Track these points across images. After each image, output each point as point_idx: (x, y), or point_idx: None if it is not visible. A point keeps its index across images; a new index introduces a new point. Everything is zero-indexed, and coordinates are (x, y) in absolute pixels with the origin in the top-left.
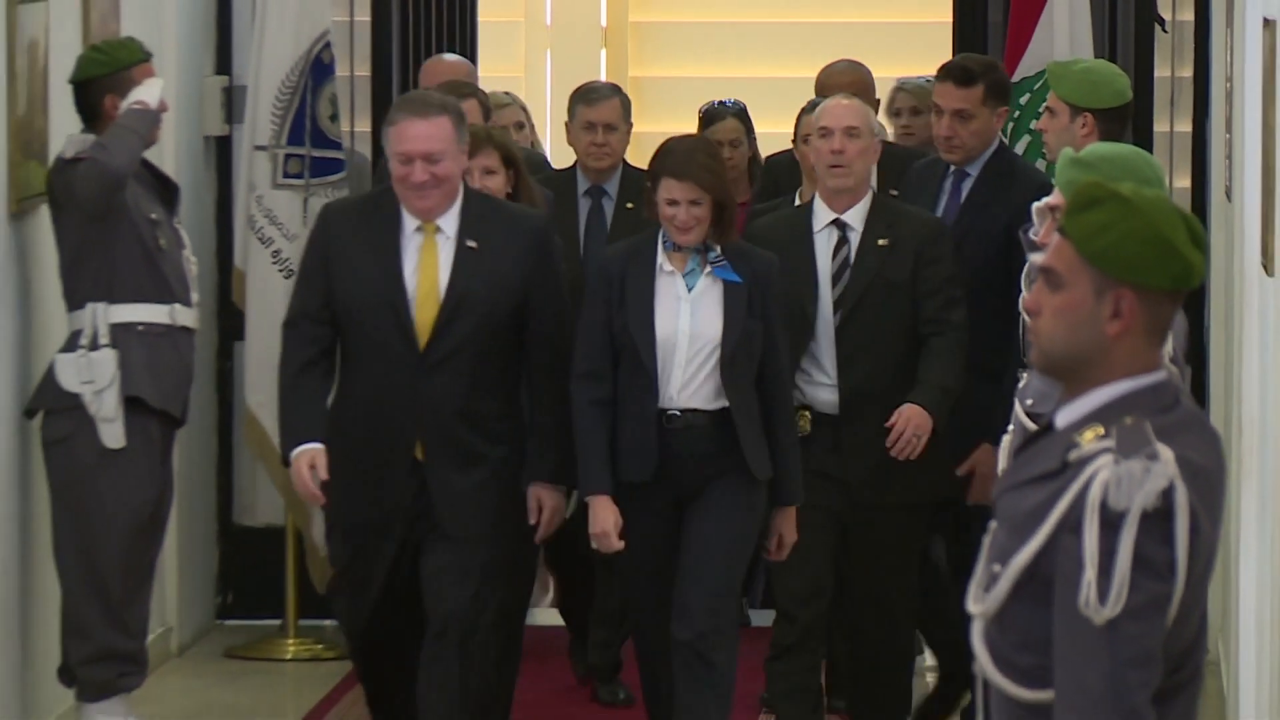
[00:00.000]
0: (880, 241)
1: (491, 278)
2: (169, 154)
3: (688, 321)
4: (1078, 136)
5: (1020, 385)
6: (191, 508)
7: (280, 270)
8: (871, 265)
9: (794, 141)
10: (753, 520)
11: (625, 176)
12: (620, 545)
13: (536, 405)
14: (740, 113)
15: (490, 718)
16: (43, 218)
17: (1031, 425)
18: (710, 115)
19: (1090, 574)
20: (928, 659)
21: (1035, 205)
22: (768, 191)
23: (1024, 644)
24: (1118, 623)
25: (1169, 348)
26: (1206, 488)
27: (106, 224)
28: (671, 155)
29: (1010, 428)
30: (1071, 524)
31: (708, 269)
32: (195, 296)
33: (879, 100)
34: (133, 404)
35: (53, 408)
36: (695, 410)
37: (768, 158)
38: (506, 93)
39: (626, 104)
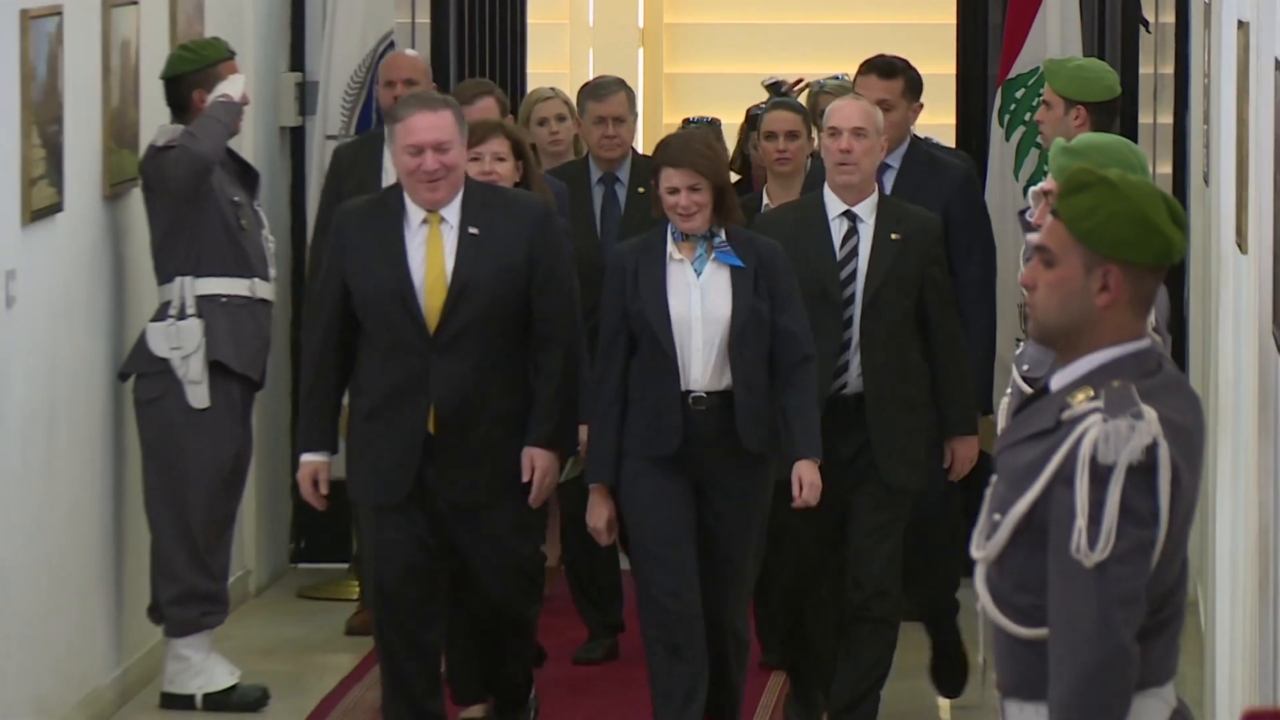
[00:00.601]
0: (893, 236)
1: (495, 261)
2: (248, 143)
3: (699, 306)
4: (1071, 127)
5: (1017, 353)
6: (268, 463)
7: None
8: (886, 258)
9: (754, 139)
10: (764, 500)
11: (635, 164)
12: (611, 540)
13: (538, 375)
14: (798, 106)
15: (520, 675)
16: (135, 200)
17: (1028, 389)
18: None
19: (1081, 522)
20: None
21: (1031, 189)
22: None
23: (1021, 585)
24: (1106, 566)
25: (1153, 318)
26: (1187, 444)
27: (194, 206)
28: (668, 147)
29: (1009, 391)
30: (1064, 477)
31: (713, 255)
32: (273, 272)
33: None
34: (216, 368)
35: (144, 371)
36: (717, 392)
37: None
38: (551, 87)
39: (632, 97)
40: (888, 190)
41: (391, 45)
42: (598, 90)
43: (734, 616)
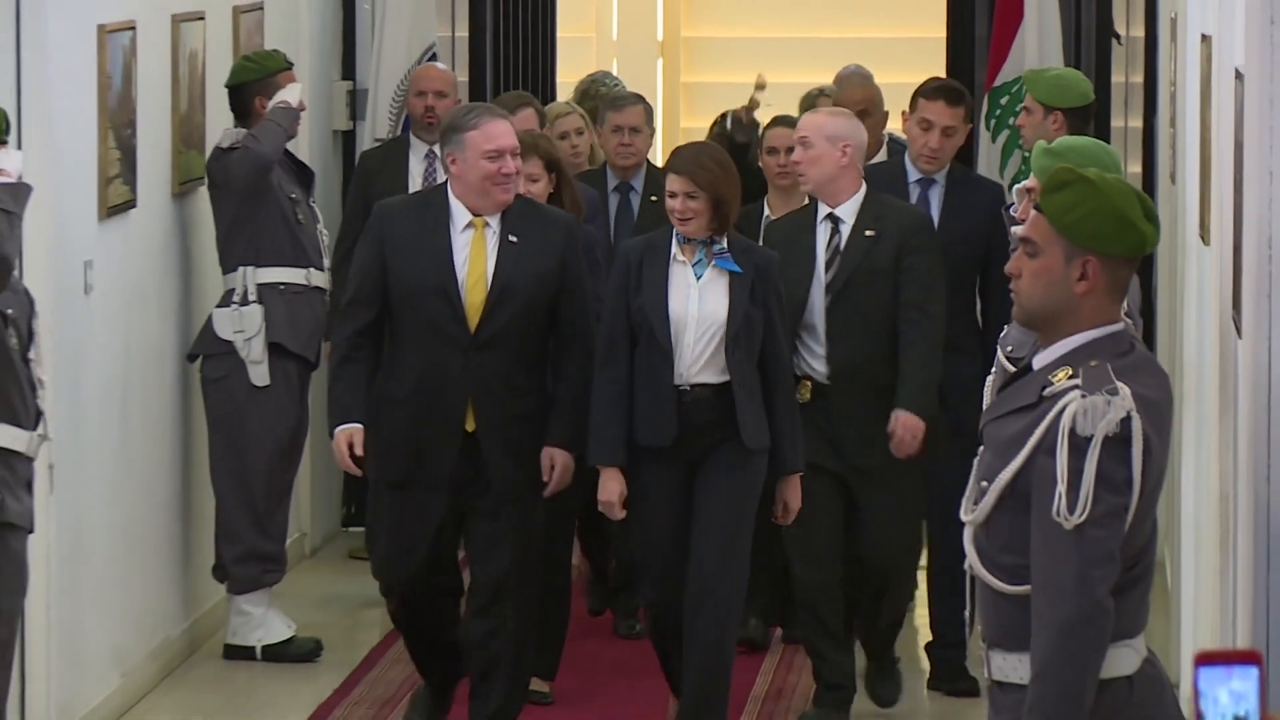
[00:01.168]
0: (868, 233)
1: (532, 268)
2: (304, 145)
3: (696, 306)
4: (1049, 131)
5: (1002, 335)
6: (322, 435)
7: None
8: (856, 254)
9: (760, 152)
10: (754, 482)
11: (649, 174)
12: (623, 514)
13: (559, 379)
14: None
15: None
16: (201, 197)
17: (1011, 367)
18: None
19: (1061, 488)
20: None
21: (1015, 187)
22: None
23: (1006, 546)
24: (1083, 528)
25: (1125, 304)
26: (1157, 418)
27: (255, 202)
28: (678, 155)
29: (994, 370)
30: (1046, 447)
31: (712, 261)
32: (326, 262)
33: (887, 113)
34: (275, 349)
35: (210, 352)
36: (704, 385)
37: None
38: (569, 102)
39: (649, 110)
40: (935, 207)
41: (434, 56)
42: (616, 101)
43: (727, 588)
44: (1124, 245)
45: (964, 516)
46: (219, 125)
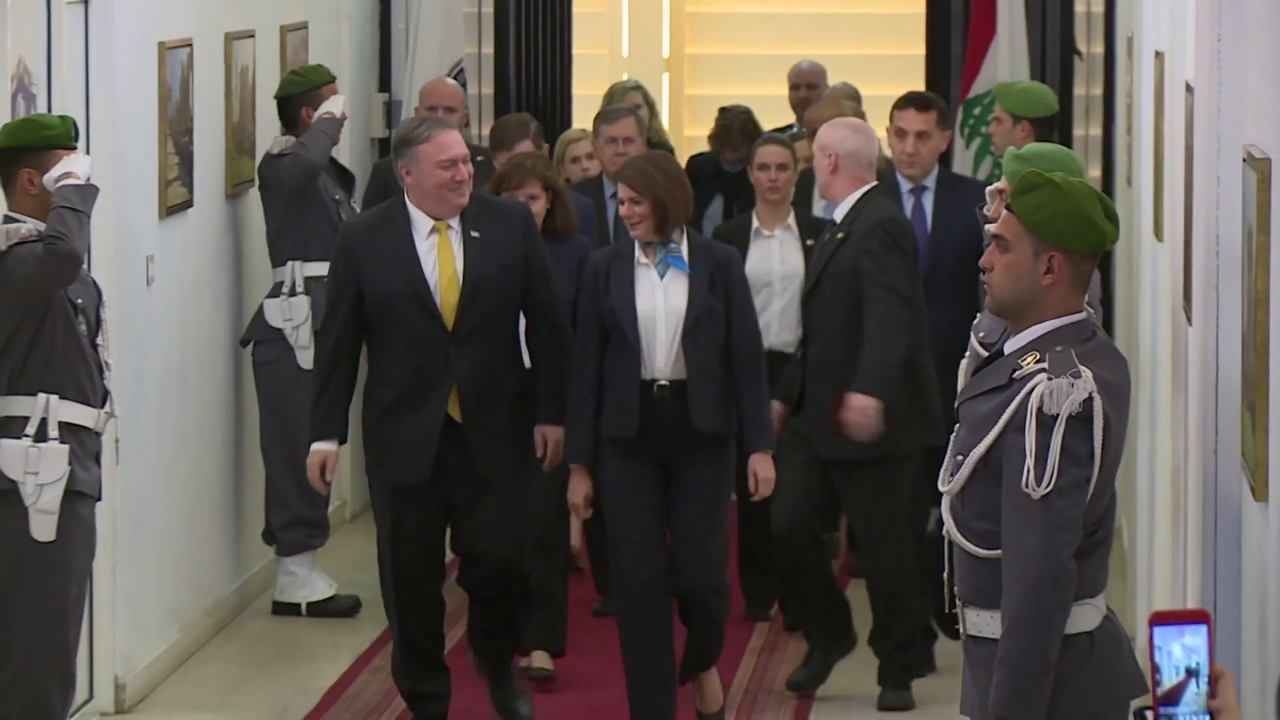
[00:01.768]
0: (839, 235)
1: (498, 260)
2: (345, 151)
3: (663, 303)
4: (1018, 139)
5: (975, 322)
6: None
7: None
8: (824, 255)
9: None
10: (725, 470)
11: None
12: (588, 515)
13: (540, 358)
14: (786, 141)
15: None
16: (251, 198)
17: (984, 352)
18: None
19: (1029, 462)
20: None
21: (988, 189)
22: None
23: (980, 514)
24: (1049, 498)
25: (1088, 295)
26: (1117, 398)
27: (303, 203)
28: (627, 165)
29: (967, 354)
30: (1016, 425)
31: (665, 260)
32: None
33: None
34: None
35: (261, 339)
36: (679, 380)
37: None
38: (581, 129)
39: (641, 122)
40: (928, 211)
41: (462, 71)
42: (610, 115)
43: (708, 575)
44: (1086, 242)
45: (941, 487)
46: (268, 133)
